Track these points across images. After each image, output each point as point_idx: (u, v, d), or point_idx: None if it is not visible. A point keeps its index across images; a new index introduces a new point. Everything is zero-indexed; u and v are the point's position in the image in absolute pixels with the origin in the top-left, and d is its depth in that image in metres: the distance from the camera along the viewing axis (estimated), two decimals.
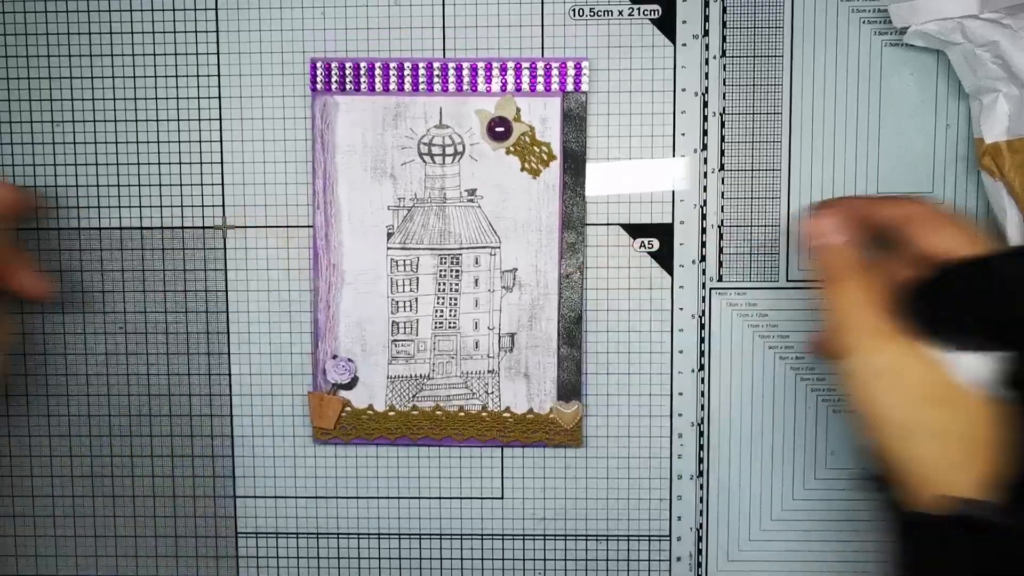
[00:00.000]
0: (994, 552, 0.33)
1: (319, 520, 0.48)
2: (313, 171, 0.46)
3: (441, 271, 0.46)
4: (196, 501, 0.48)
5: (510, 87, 0.45)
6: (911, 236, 0.38)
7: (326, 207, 0.46)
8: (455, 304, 0.46)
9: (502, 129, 0.45)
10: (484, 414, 0.47)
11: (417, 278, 0.46)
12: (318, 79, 0.45)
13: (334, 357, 0.47)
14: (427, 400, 0.47)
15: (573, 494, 0.48)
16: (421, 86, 0.45)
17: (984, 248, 0.36)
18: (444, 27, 0.45)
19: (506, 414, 0.47)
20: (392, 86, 0.45)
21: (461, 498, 0.48)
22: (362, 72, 0.45)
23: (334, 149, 0.46)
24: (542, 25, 0.45)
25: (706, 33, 0.45)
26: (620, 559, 0.48)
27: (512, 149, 0.45)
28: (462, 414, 0.47)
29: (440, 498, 0.48)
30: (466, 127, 0.45)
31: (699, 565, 0.48)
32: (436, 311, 0.46)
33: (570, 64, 0.45)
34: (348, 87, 0.45)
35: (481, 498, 0.48)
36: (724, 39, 0.45)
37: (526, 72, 0.45)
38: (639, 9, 0.45)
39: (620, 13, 0.45)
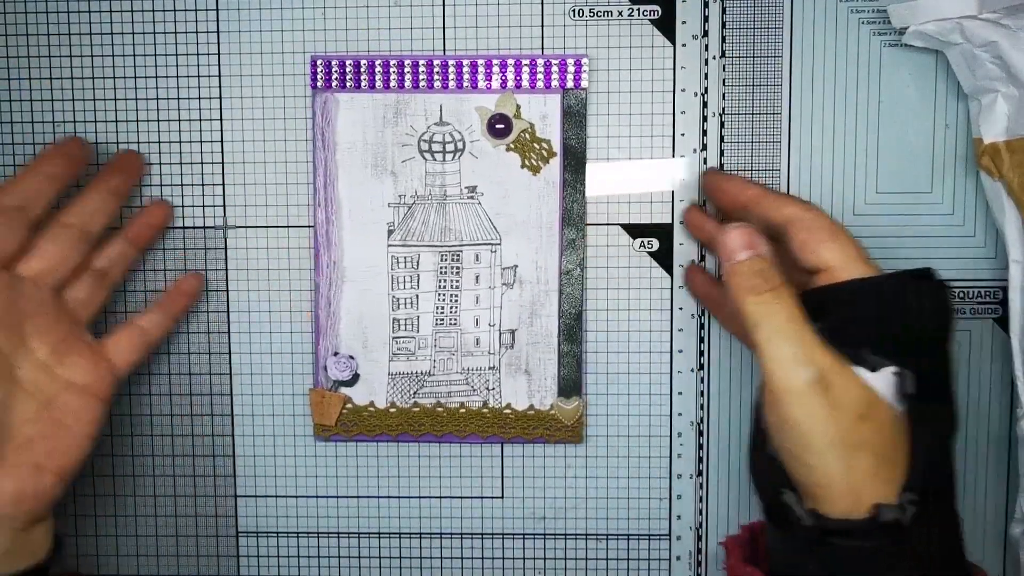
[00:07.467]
0: (908, 555, 0.34)
1: (319, 519, 0.48)
2: (313, 168, 0.46)
3: (442, 268, 0.46)
4: (197, 500, 0.48)
5: (510, 84, 0.45)
6: (793, 242, 0.37)
7: (327, 204, 0.46)
8: (456, 301, 0.46)
9: (502, 126, 0.45)
10: (485, 410, 0.47)
11: (418, 275, 0.46)
12: (318, 77, 0.45)
13: (335, 354, 0.47)
14: (428, 397, 0.47)
15: (573, 493, 0.48)
16: (421, 83, 0.45)
17: (866, 266, 0.36)
18: (444, 27, 0.45)
19: (507, 410, 0.47)
20: (392, 83, 0.45)
21: (461, 497, 0.48)
22: (362, 69, 0.45)
23: (334, 146, 0.46)
24: (542, 25, 0.45)
25: (706, 33, 0.45)
26: (620, 558, 0.48)
27: (512, 146, 0.45)
28: (463, 411, 0.47)
29: (440, 497, 0.48)
30: (466, 124, 0.45)
31: (699, 565, 0.48)
32: (437, 308, 0.46)
33: (570, 61, 0.45)
34: (348, 84, 0.45)
35: (481, 497, 0.48)
36: (724, 39, 0.45)
37: (526, 69, 0.45)
38: (639, 9, 0.45)
39: (620, 13, 0.45)
